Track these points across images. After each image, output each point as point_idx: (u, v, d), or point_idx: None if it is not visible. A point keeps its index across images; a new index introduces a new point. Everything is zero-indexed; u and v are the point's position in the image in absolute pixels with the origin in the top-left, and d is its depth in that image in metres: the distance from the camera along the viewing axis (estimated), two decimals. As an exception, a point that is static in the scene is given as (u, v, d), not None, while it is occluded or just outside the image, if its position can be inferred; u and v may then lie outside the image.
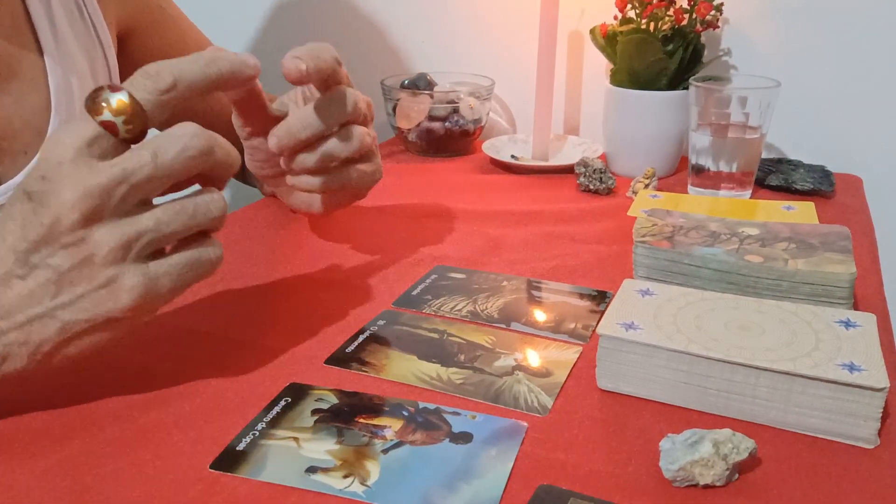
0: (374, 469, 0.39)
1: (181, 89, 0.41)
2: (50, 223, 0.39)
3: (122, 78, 0.71)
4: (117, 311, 0.41)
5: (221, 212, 0.43)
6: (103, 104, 0.39)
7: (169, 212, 0.41)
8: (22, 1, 0.61)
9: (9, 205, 0.41)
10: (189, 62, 0.42)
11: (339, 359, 0.49)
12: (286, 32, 1.16)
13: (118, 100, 0.40)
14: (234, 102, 0.54)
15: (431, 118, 0.95)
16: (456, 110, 0.95)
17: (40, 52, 0.61)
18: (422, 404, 0.44)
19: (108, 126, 0.40)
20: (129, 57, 0.73)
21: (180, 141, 0.40)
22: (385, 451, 0.40)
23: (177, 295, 0.43)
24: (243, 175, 0.85)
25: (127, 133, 0.40)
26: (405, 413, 0.43)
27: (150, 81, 0.41)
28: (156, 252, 0.41)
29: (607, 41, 0.87)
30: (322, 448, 0.40)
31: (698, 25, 0.84)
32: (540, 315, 0.55)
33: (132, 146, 0.41)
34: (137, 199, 0.40)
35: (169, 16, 0.75)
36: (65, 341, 0.41)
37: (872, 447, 0.41)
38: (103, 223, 0.39)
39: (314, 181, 0.54)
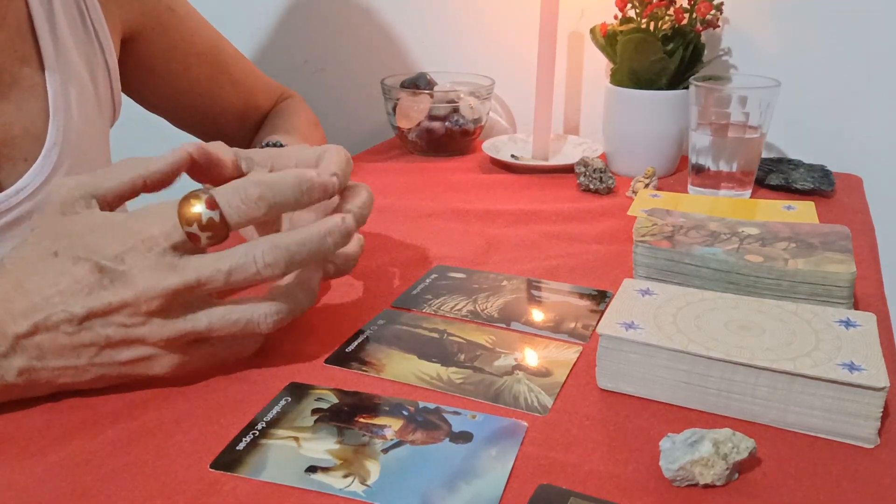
0: (374, 469, 0.39)
1: (269, 216, 0.44)
2: (118, 303, 0.41)
3: (123, 78, 0.71)
4: (145, 374, 0.45)
5: (268, 329, 0.45)
6: (194, 218, 0.42)
7: (222, 320, 0.44)
8: (26, 6, 0.61)
9: (70, 262, 0.42)
10: (284, 193, 0.43)
11: (339, 358, 0.49)
12: (287, 31, 1.16)
13: (209, 218, 0.42)
14: (191, 170, 0.50)
15: (431, 118, 0.95)
16: (456, 110, 0.95)
17: (40, 58, 0.61)
18: (422, 404, 0.44)
19: (192, 237, 0.42)
20: (134, 58, 0.73)
21: (255, 267, 0.43)
22: (385, 450, 0.40)
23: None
24: None
25: (207, 244, 0.43)
26: (405, 413, 0.43)
27: (246, 207, 0.42)
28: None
29: (607, 41, 0.87)
30: (322, 448, 0.40)
31: (698, 25, 0.84)
32: (540, 315, 0.55)
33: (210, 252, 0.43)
34: (201, 300, 0.44)
35: (177, 16, 0.75)
36: (92, 382, 0.44)
37: (872, 447, 0.41)
38: (164, 316, 0.43)
39: None
